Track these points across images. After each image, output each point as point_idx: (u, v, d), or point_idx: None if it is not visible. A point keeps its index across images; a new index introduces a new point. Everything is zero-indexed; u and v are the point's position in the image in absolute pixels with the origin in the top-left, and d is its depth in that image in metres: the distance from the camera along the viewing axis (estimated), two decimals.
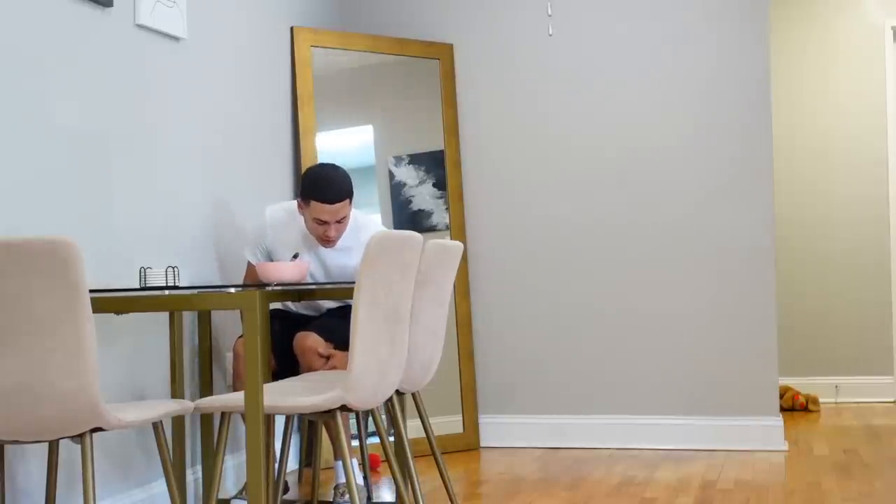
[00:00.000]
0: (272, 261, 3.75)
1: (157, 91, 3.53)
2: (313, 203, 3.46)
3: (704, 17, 4.60)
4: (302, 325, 3.74)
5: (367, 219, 3.78)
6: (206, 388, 3.63)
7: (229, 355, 3.86)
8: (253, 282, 3.70)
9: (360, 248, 3.63)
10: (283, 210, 3.75)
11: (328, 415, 2.83)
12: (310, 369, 3.50)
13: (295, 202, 3.74)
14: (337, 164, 3.61)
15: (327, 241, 3.57)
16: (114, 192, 3.28)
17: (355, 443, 3.90)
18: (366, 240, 3.58)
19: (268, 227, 3.71)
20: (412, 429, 4.39)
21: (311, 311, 3.86)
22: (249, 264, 3.77)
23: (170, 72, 3.61)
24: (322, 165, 3.58)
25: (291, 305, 3.91)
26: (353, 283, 2.81)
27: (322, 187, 3.45)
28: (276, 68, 4.40)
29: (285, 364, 3.70)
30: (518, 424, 4.77)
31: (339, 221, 3.50)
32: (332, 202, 3.44)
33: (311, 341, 3.48)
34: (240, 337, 3.63)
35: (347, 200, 3.49)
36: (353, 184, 3.54)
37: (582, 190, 4.74)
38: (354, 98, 4.72)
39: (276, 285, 3.01)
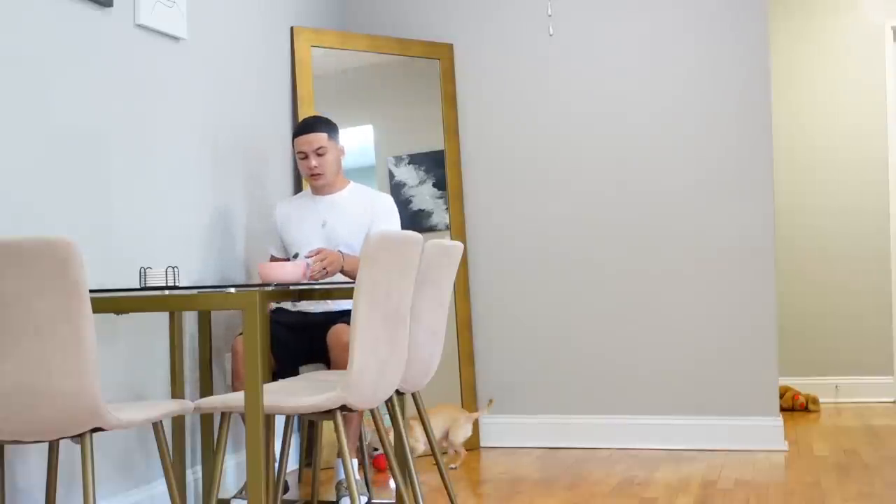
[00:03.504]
0: (286, 252, 3.90)
1: (157, 91, 3.53)
2: (295, 141, 3.80)
3: (704, 17, 4.60)
4: (302, 325, 3.73)
5: (379, 193, 3.93)
6: (206, 388, 3.62)
7: (229, 355, 3.86)
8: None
9: (359, 206, 3.81)
10: (293, 196, 4.04)
11: (328, 415, 2.83)
12: (341, 362, 3.50)
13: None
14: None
15: (314, 176, 3.80)
16: (113, 192, 3.28)
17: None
18: (366, 202, 3.80)
19: (278, 207, 3.94)
20: None
21: (325, 306, 3.84)
22: (271, 257, 3.99)
23: (170, 72, 3.61)
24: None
25: (289, 305, 3.91)
26: (353, 283, 2.81)
27: (298, 125, 3.82)
28: (276, 68, 4.40)
29: (285, 365, 3.70)
30: (518, 424, 4.78)
31: (318, 154, 3.77)
32: (306, 132, 3.76)
33: (348, 335, 3.51)
34: (238, 335, 3.64)
35: (325, 135, 3.78)
36: (335, 129, 3.83)
37: (582, 190, 4.74)
38: (354, 98, 4.72)
39: (276, 285, 3.01)
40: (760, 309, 4.52)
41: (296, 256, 3.68)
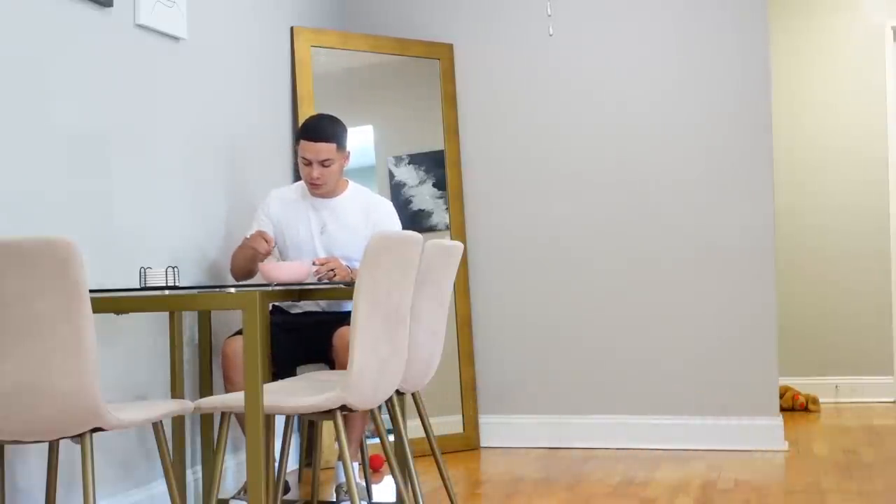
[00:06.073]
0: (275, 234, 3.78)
1: (157, 91, 3.53)
2: (301, 143, 3.63)
3: (704, 18, 4.60)
4: (299, 326, 3.72)
5: (377, 197, 3.85)
6: (206, 388, 3.63)
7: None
8: (243, 260, 3.70)
9: (358, 213, 3.72)
10: (288, 187, 3.88)
11: (328, 415, 2.83)
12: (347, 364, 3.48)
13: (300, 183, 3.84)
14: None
15: (313, 186, 3.67)
16: (114, 192, 3.28)
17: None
18: (365, 209, 3.70)
19: (273, 195, 3.81)
20: (412, 429, 4.39)
21: (331, 306, 3.82)
22: (245, 238, 3.70)
23: (170, 72, 3.61)
24: (319, 113, 3.77)
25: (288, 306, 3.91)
26: (353, 283, 2.81)
27: (307, 126, 3.64)
28: (276, 68, 4.40)
29: (284, 367, 3.68)
30: (518, 424, 4.78)
31: (323, 165, 3.62)
32: (313, 140, 3.60)
33: None
34: (228, 338, 3.61)
35: (333, 146, 3.62)
36: (344, 135, 3.67)
37: (582, 190, 4.74)
38: (354, 98, 4.72)
39: (276, 285, 3.01)
40: (760, 309, 4.51)
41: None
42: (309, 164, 3.63)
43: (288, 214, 3.77)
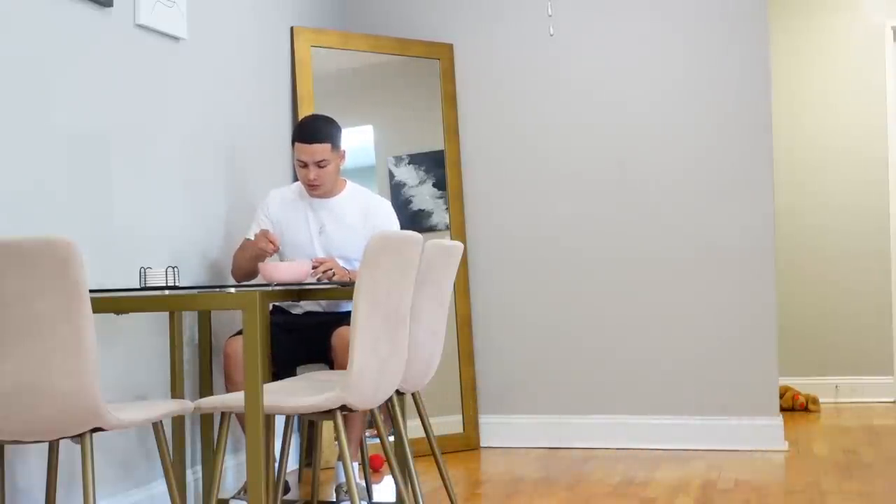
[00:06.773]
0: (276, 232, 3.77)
1: (157, 91, 3.53)
2: (296, 145, 3.65)
3: (705, 18, 4.60)
4: (299, 326, 3.72)
5: (375, 197, 3.85)
6: (206, 388, 3.63)
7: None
8: (245, 262, 3.70)
9: (357, 213, 3.73)
10: (287, 187, 3.88)
11: (328, 415, 2.83)
12: (346, 364, 3.47)
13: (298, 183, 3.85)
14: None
15: (311, 187, 3.68)
16: (114, 193, 3.28)
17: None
18: (364, 210, 3.71)
19: (271, 195, 3.81)
20: (412, 429, 4.39)
21: (329, 306, 3.82)
22: (245, 239, 3.74)
23: (170, 72, 3.61)
24: (312, 114, 3.79)
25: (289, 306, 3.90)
26: (352, 283, 2.81)
27: (301, 128, 3.66)
28: (276, 68, 4.40)
29: (284, 367, 3.68)
30: (518, 424, 4.78)
31: (319, 165, 3.63)
32: (307, 142, 3.61)
33: None
34: (230, 337, 3.61)
35: (328, 146, 3.63)
36: (338, 134, 3.68)
37: (582, 190, 4.74)
38: (354, 98, 4.72)
39: (276, 285, 3.01)
40: (760, 309, 4.51)
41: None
42: (305, 165, 3.63)
43: (287, 214, 3.77)
